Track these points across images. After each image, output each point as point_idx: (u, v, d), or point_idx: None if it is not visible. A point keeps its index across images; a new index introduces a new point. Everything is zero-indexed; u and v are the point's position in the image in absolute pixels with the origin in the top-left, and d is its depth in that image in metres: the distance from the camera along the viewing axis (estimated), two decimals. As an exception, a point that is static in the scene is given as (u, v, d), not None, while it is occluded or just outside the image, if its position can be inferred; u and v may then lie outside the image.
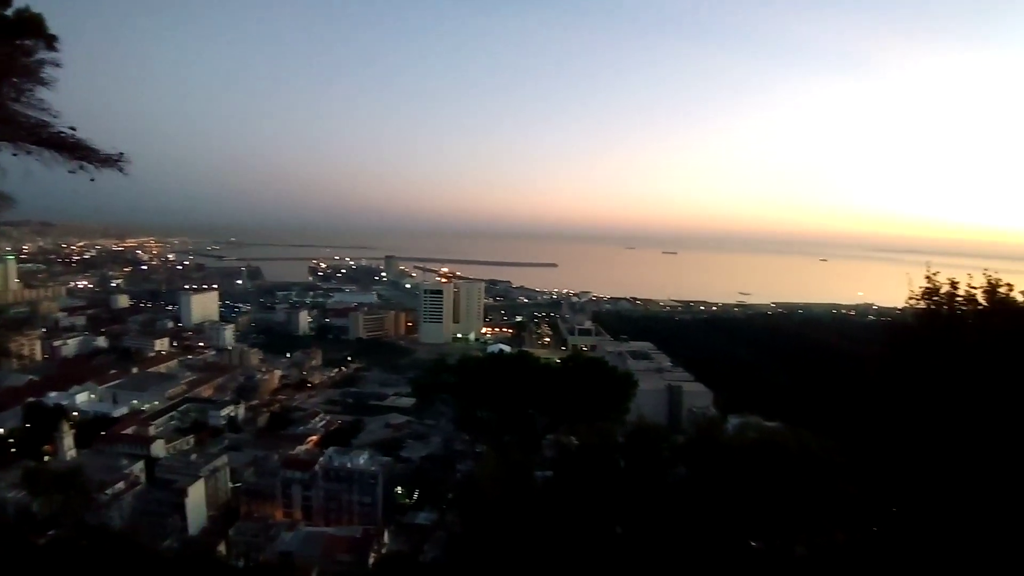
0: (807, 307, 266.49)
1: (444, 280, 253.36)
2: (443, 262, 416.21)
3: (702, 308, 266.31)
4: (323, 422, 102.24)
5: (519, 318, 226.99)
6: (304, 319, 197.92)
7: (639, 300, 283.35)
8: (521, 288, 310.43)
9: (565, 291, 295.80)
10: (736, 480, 20.69)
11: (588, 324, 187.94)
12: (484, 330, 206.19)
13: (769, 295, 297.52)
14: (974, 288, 12.56)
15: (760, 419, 76.33)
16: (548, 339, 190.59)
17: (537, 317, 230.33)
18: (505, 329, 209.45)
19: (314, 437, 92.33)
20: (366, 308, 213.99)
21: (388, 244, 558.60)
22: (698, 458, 23.85)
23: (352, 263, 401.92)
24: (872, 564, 14.24)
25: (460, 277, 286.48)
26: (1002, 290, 12.43)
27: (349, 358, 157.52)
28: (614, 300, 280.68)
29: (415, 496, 69.73)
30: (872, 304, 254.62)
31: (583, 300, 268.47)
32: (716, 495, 20.73)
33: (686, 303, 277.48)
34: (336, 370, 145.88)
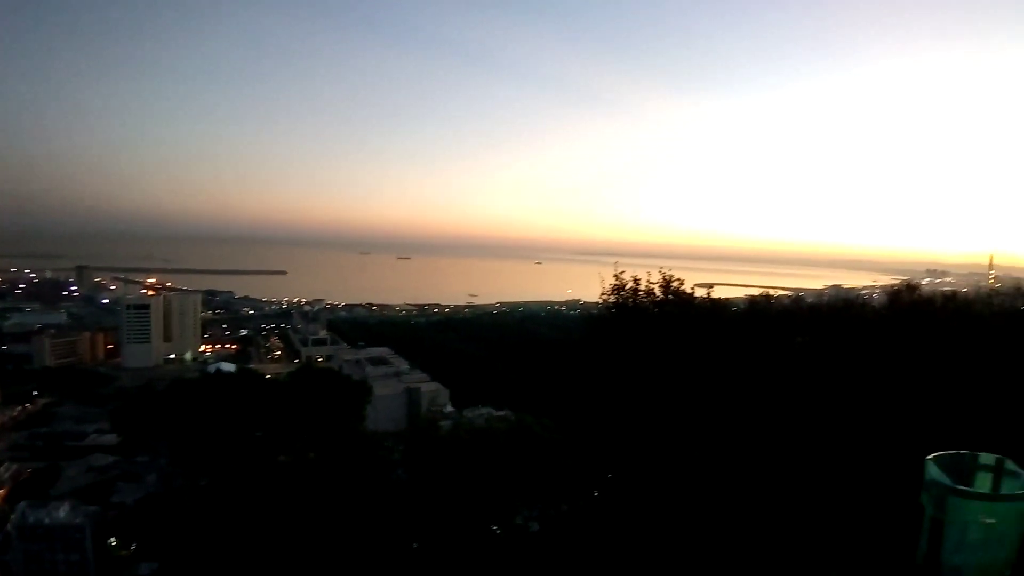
0: (526, 305, 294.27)
1: (152, 293, 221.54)
2: (150, 272, 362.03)
3: (435, 310, 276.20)
4: (9, 472, 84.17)
5: (244, 332, 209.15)
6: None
7: (375, 306, 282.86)
8: (246, 298, 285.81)
9: (296, 300, 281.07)
10: (463, 471, 22.01)
11: (323, 333, 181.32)
12: (203, 348, 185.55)
13: (494, 296, 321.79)
14: (653, 283, 15.89)
15: (492, 409, 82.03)
16: (279, 352, 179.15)
17: (266, 329, 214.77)
18: (229, 345, 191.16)
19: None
20: (53, 330, 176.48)
21: (80, 251, 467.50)
22: (420, 457, 24.76)
23: (33, 276, 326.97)
24: (595, 526, 16.44)
25: (172, 288, 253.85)
26: (675, 284, 15.94)
27: (35, 392, 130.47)
28: (350, 307, 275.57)
29: (133, 546, 60.56)
30: (579, 300, 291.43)
31: (317, 308, 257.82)
32: (446, 489, 21.78)
33: (421, 306, 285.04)
34: (19, 407, 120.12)
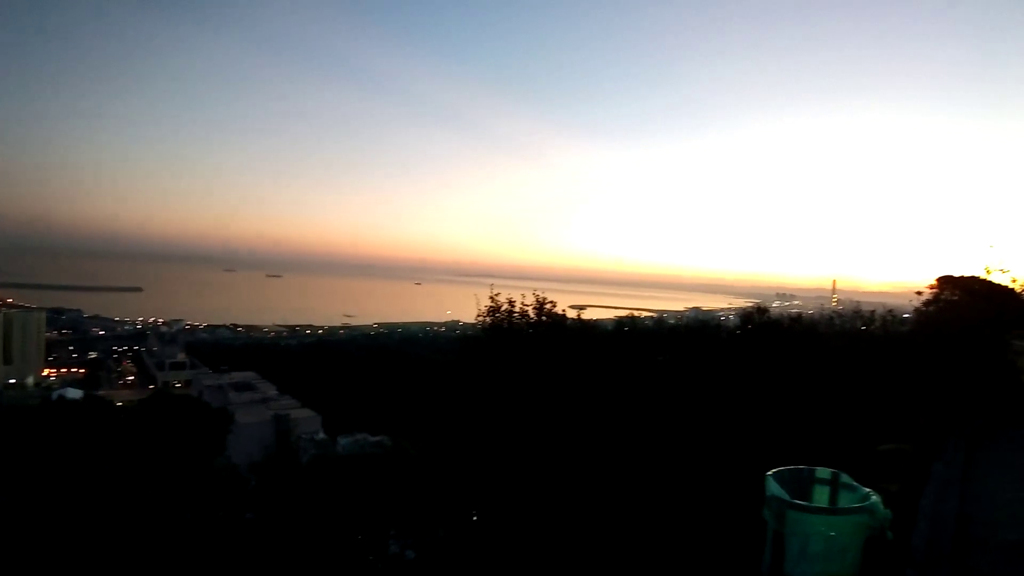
0: (405, 326, 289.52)
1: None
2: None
3: (308, 332, 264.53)
4: None
5: (94, 354, 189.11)
6: None
7: (241, 327, 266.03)
8: (96, 317, 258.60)
9: (153, 320, 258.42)
10: (331, 501, 21.00)
11: (181, 357, 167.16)
12: (47, 372, 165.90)
13: (371, 316, 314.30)
14: (527, 305, 16.34)
15: (367, 435, 79.49)
16: (132, 377, 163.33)
17: (118, 352, 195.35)
18: (76, 369, 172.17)
19: None
20: None
21: None
22: (281, 489, 23.35)
23: None
24: (474, 549, 16.21)
25: (13, 305, 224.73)
26: (548, 306, 16.47)
27: None
28: (212, 328, 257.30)
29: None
30: (459, 321, 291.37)
31: (175, 329, 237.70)
32: (312, 521, 20.65)
33: (292, 327, 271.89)
34: None
